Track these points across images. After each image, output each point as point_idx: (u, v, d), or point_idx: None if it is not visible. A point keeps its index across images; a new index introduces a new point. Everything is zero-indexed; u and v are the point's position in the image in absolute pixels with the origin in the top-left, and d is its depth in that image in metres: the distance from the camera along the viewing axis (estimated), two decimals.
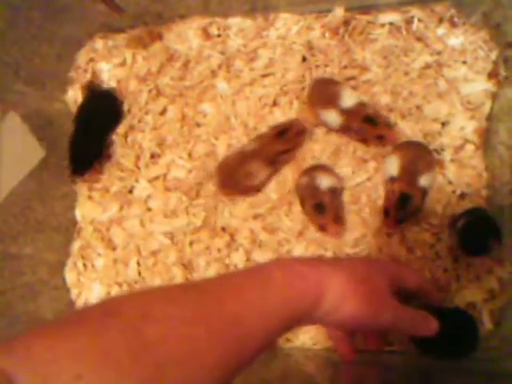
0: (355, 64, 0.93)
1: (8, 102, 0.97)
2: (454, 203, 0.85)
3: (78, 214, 1.01)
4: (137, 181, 0.98)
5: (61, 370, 0.34)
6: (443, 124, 0.88)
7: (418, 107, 0.90)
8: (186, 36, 0.99)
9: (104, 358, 0.36)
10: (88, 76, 1.04)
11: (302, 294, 0.50)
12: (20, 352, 0.35)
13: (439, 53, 0.91)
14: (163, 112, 0.98)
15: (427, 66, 0.92)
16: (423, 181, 0.82)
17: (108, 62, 1.03)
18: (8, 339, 0.37)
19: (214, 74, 0.98)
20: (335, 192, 0.87)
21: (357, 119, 0.86)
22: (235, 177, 0.89)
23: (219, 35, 0.99)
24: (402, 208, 0.82)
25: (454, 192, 0.85)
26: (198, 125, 0.97)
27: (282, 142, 0.88)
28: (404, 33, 0.93)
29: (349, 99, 0.87)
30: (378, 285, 0.55)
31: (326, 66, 0.94)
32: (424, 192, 0.83)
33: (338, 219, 0.86)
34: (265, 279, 0.49)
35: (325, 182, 0.86)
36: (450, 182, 0.86)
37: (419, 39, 0.93)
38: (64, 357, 0.35)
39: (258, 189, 0.92)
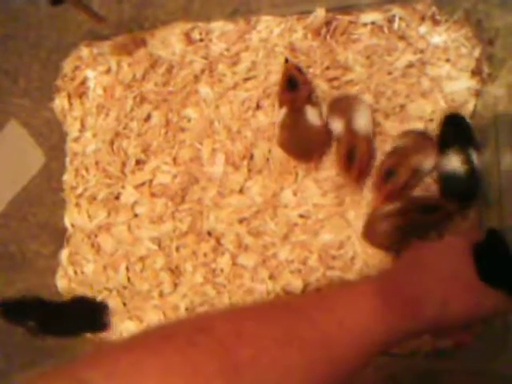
0: (338, 64, 0.93)
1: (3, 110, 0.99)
2: None
3: (67, 221, 1.01)
4: (123, 187, 0.98)
5: None
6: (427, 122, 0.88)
7: (402, 106, 0.90)
8: (169, 42, 0.99)
9: (194, 375, 0.35)
10: (75, 84, 1.04)
11: (394, 309, 0.47)
12: (107, 366, 0.35)
13: (422, 51, 0.90)
14: (148, 118, 0.99)
15: (410, 65, 0.91)
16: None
17: (94, 70, 1.04)
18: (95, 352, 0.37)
19: (197, 78, 0.98)
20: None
21: None
22: None
23: (202, 40, 0.99)
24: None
25: None
26: (182, 130, 0.97)
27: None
28: (386, 32, 0.92)
29: None
30: (461, 270, 0.51)
31: (309, 67, 0.93)
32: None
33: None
34: (356, 297, 0.47)
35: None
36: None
37: (402, 38, 0.92)
38: (151, 373, 0.34)
39: None
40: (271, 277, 0.89)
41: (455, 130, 0.84)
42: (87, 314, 0.96)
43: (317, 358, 0.41)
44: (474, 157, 0.81)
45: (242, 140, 0.94)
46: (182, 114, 0.97)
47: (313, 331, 0.42)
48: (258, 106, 0.95)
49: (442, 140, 0.84)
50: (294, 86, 0.85)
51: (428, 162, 0.84)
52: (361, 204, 0.87)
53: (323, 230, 0.88)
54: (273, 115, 0.93)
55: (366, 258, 0.85)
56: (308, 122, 0.86)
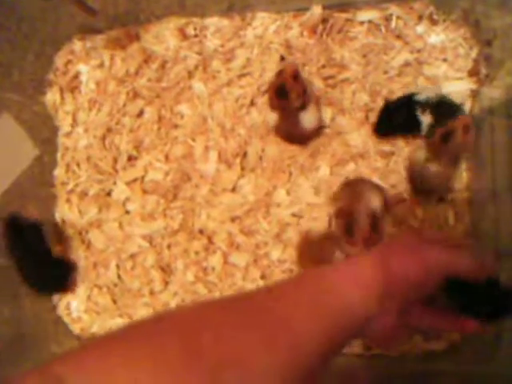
0: (334, 63, 0.92)
1: None
2: None
3: (58, 216, 1.00)
4: (115, 183, 0.97)
5: (116, 377, 0.34)
6: None
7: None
8: (163, 36, 0.98)
9: (160, 361, 0.35)
10: (67, 78, 1.03)
11: (355, 285, 0.46)
12: (73, 362, 0.36)
13: (419, 51, 0.90)
14: (140, 114, 0.97)
15: (407, 64, 0.90)
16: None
17: (86, 64, 1.02)
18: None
19: (190, 74, 0.96)
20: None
21: None
22: None
23: (196, 35, 0.97)
24: None
25: None
26: (175, 126, 0.96)
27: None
28: (383, 31, 0.91)
29: None
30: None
31: (305, 65, 0.92)
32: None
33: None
34: (314, 280, 0.47)
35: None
36: None
37: (399, 37, 0.91)
38: (118, 364, 0.35)
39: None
40: (263, 276, 0.88)
41: None
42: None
43: (277, 339, 0.41)
44: None
45: (235, 137, 0.93)
46: (175, 111, 0.96)
47: (270, 316, 0.42)
48: (252, 104, 0.94)
49: None
50: (285, 95, 0.80)
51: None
52: None
53: (316, 229, 0.87)
54: (267, 113, 0.92)
55: None
56: (301, 126, 0.84)
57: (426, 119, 0.84)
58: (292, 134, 0.88)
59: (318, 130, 0.89)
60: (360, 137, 0.90)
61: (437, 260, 0.47)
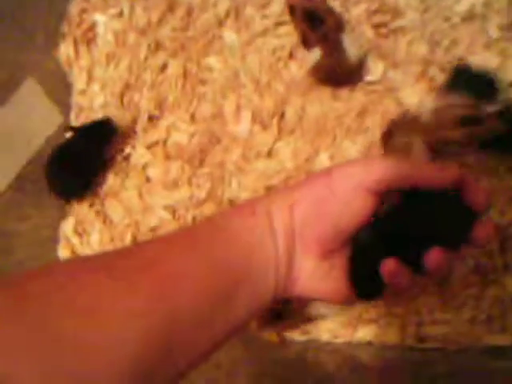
0: (387, 8, 0.80)
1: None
2: None
3: None
4: (133, 147, 0.86)
5: None
6: None
7: (461, 59, 0.76)
8: None
9: None
10: (82, 29, 0.91)
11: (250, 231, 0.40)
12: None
13: None
14: (163, 68, 0.86)
15: (473, 10, 0.77)
16: None
17: (103, 13, 0.91)
18: None
19: (220, 23, 0.85)
20: None
21: None
22: None
23: None
24: None
25: None
26: (203, 82, 0.85)
27: None
28: None
29: None
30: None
31: (350, 11, 0.80)
32: None
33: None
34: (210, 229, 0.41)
35: None
36: None
37: None
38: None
39: None
40: None
41: None
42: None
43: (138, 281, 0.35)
44: None
45: (271, 95, 0.81)
46: (203, 64, 0.84)
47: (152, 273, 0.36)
48: (291, 56, 0.82)
49: None
50: (317, 20, 0.69)
51: None
52: None
53: None
54: (304, 56, 0.80)
55: None
56: (347, 54, 0.72)
57: None
58: (336, 69, 0.75)
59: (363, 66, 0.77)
60: (415, 94, 0.78)
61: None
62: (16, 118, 0.93)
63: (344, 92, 0.79)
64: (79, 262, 0.38)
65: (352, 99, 0.78)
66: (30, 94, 0.91)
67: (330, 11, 0.69)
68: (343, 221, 0.39)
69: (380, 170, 0.39)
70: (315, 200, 0.40)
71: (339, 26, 0.69)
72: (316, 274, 0.41)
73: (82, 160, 0.84)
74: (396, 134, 0.70)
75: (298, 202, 0.40)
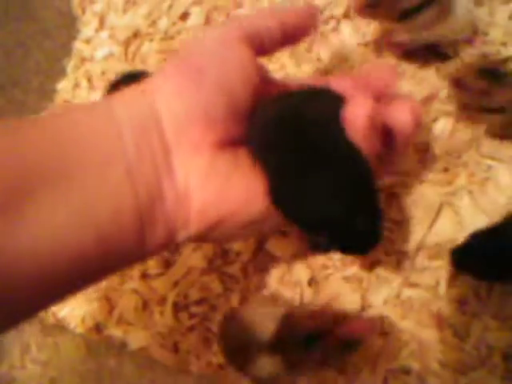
0: None
1: None
2: None
3: None
4: None
5: None
6: None
7: None
8: None
9: None
10: None
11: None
12: None
13: None
14: (184, 16, 0.67)
15: None
16: None
17: None
18: None
19: None
20: None
21: None
22: None
23: None
24: None
25: None
26: None
27: None
28: None
29: None
30: None
31: None
32: None
33: None
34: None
35: None
36: None
37: None
38: None
39: None
40: None
41: None
42: None
43: None
44: None
45: (311, 63, 0.60)
46: (233, 15, 0.65)
47: None
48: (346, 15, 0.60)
49: None
50: None
51: None
52: None
53: None
54: None
55: None
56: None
57: None
58: None
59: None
60: None
61: None
62: None
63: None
64: None
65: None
66: None
67: None
68: (228, 83, 0.30)
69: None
70: (184, 72, 0.31)
71: None
72: (214, 177, 0.30)
73: None
74: None
75: (157, 85, 0.31)
